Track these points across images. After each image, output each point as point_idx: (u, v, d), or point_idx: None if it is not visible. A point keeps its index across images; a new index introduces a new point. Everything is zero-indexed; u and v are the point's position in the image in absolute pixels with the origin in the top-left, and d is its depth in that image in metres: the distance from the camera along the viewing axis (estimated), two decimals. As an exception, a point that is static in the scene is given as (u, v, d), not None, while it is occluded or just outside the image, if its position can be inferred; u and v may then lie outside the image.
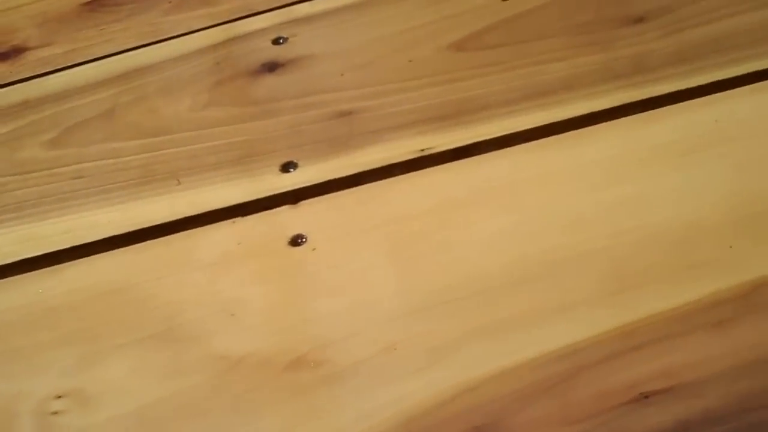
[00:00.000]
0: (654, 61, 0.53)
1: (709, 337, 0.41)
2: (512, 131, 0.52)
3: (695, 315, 0.42)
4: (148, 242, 0.52)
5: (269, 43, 0.61)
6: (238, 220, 0.51)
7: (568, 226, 0.47)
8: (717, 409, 0.39)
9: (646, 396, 0.40)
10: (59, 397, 0.46)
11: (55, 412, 0.45)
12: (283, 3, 0.64)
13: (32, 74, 0.64)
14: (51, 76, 0.64)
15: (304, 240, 0.50)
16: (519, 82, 0.54)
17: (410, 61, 0.57)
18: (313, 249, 0.49)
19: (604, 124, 0.51)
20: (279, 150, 0.54)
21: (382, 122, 0.54)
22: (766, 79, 0.51)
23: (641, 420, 0.39)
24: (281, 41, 0.61)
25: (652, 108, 0.51)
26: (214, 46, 0.62)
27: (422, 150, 0.52)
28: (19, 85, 0.64)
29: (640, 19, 0.56)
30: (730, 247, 0.44)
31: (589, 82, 0.53)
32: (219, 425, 0.43)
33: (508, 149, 0.51)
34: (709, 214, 0.46)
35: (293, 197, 0.52)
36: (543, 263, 0.46)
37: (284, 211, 0.51)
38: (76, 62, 0.64)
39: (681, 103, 0.51)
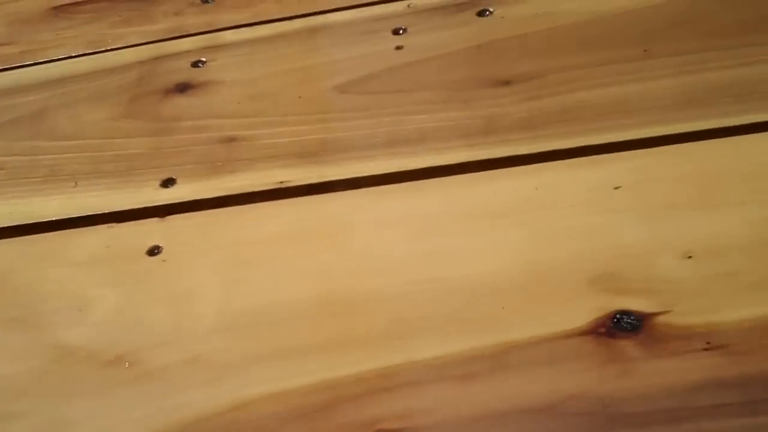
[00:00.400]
0: (504, 124, 0.58)
1: (454, 387, 0.46)
2: (363, 175, 0.57)
3: (449, 366, 0.47)
4: (36, 236, 0.59)
5: (188, 65, 0.67)
6: (114, 225, 0.58)
7: (380, 269, 0.52)
8: (438, 453, 0.44)
9: (383, 432, 0.45)
10: (-75, 361, 0.54)
11: None
12: (212, 28, 0.70)
13: (-9, 69, 0.72)
14: (5, 72, 0.71)
15: (159, 251, 0.56)
16: (383, 128, 0.59)
17: (299, 97, 0.63)
18: (164, 260, 0.55)
19: (443, 178, 0.56)
20: (165, 166, 0.61)
21: (257, 152, 0.60)
22: (591, 155, 0.55)
23: (371, 453, 0.45)
24: (199, 64, 0.67)
25: (489, 169, 0.55)
26: (142, 62, 0.69)
27: (281, 182, 0.58)
28: (-22, 78, 0.72)
29: (507, 82, 0.60)
30: (503, 308, 0.49)
31: (442, 137, 0.58)
32: (38, 407, 0.50)
33: (355, 191, 0.56)
34: (499, 275, 0.50)
35: (164, 211, 0.58)
36: (346, 300, 0.51)
37: (152, 222, 0.58)
38: (28, 62, 0.72)
39: (512, 168, 0.55)
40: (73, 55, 0.71)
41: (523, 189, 0.54)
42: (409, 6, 0.67)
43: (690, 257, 0.49)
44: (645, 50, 0.60)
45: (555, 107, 0.58)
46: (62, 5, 0.77)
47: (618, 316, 0.47)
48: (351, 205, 0.56)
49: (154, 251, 0.56)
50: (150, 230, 0.57)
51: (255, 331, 0.51)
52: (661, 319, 0.46)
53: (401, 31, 0.66)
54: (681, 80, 0.57)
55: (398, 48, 0.64)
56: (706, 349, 0.45)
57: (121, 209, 0.59)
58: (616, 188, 0.53)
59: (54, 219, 0.60)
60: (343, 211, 0.56)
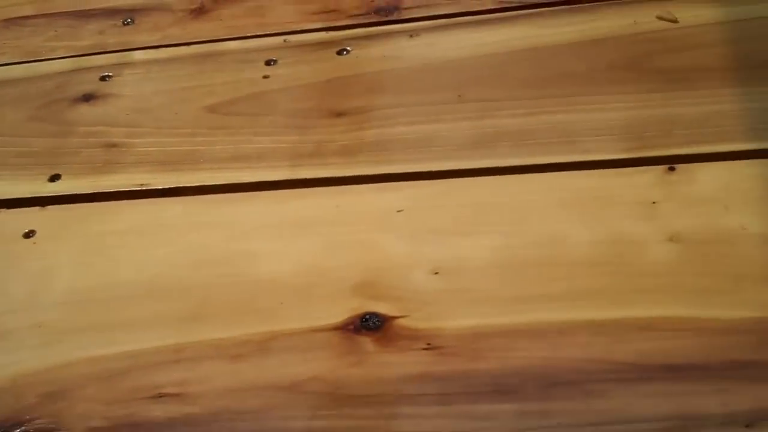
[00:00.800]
0: (328, 150, 0.65)
1: (225, 364, 0.54)
2: (209, 183, 0.65)
3: (226, 347, 0.55)
4: (-57, 214, 0.68)
5: (98, 78, 0.76)
6: (3, 210, 0.67)
7: (198, 263, 0.60)
8: (200, 414, 0.52)
9: (160, 395, 0.53)
10: None
11: None
12: (126, 47, 0.78)
13: (-57, 71, 0.81)
14: (-47, 74, 0.81)
15: (33, 234, 0.64)
16: (232, 145, 0.67)
17: (175, 113, 0.71)
18: (34, 243, 0.64)
19: (267, 192, 0.64)
20: (56, 164, 0.69)
21: (130, 157, 0.68)
22: (389, 182, 0.62)
23: (149, 410, 0.53)
24: (106, 78, 0.76)
25: (304, 187, 0.63)
26: (62, 73, 0.77)
27: (142, 185, 0.66)
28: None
29: (341, 114, 0.68)
30: (281, 303, 0.56)
31: (276, 157, 0.66)
32: None
33: (199, 197, 0.65)
34: (286, 276, 0.58)
35: (46, 202, 0.67)
36: (166, 286, 0.59)
37: (34, 210, 0.66)
38: (-26, 67, 0.81)
39: (323, 187, 0.63)
40: (11, 62, 0.80)
41: (327, 206, 0.62)
42: (285, 41, 0.75)
43: (437, 273, 0.56)
44: (459, 95, 0.67)
45: (373, 138, 0.65)
46: (13, 18, 0.85)
47: (367, 317, 0.55)
48: (192, 209, 0.64)
49: (29, 234, 0.64)
50: (30, 217, 0.66)
51: (90, 305, 0.59)
52: (398, 321, 0.54)
53: (272, 63, 0.73)
54: (479, 123, 0.64)
55: (265, 77, 0.72)
56: (425, 349, 0.53)
57: (12, 197, 0.67)
58: (399, 211, 0.60)
59: (-41, 202, 0.68)
60: (184, 213, 0.64)
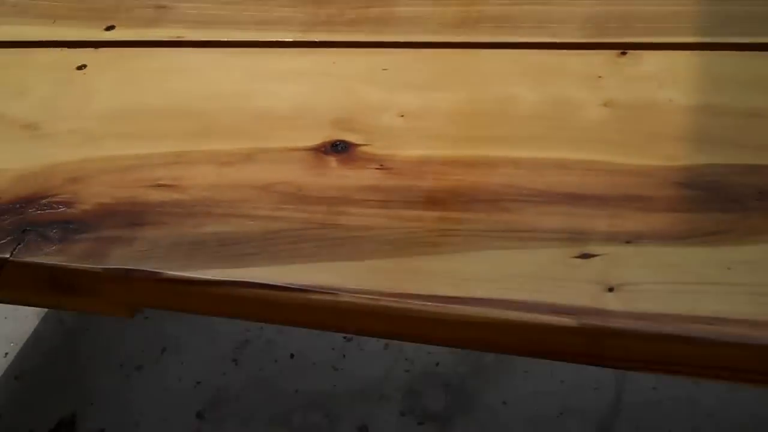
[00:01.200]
0: (338, 20, 0.75)
1: (216, 167, 0.64)
2: (233, 39, 0.76)
3: (219, 156, 0.65)
4: (16, 49, 0.80)
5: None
6: (65, 49, 0.78)
7: (213, 96, 0.70)
8: (186, 200, 0.62)
9: (158, 185, 0.63)
10: None
11: None
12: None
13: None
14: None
15: (84, 67, 0.76)
16: (258, 13, 0.77)
17: (217, -14, 0.82)
18: (84, 74, 0.76)
19: (280, 49, 0.74)
20: (113, 18, 0.80)
21: (174, 17, 0.79)
22: (379, 48, 0.71)
23: (147, 194, 0.63)
24: (167, -42, 0.87)
25: (311, 47, 0.73)
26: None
27: (179, 36, 0.77)
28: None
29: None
30: (271, 128, 0.66)
31: (294, 23, 0.76)
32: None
33: (223, 49, 0.75)
34: (280, 108, 0.68)
35: (99, 45, 0.78)
36: (183, 111, 0.69)
37: (89, 51, 0.78)
38: None
39: (326, 48, 0.73)
40: None
41: (325, 62, 0.71)
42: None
43: (402, 116, 0.65)
44: (456, -14, 0.76)
45: (376, 15, 0.75)
46: None
47: (336, 143, 0.64)
48: (215, 58, 0.74)
49: (81, 67, 0.76)
50: (85, 55, 0.77)
51: (119, 120, 0.70)
52: (361, 148, 0.63)
53: (308, -46, 0.83)
54: (467, 8, 0.73)
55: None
56: (377, 169, 0.62)
57: (73, 39, 0.79)
58: (384, 70, 0.69)
59: (30, 40, 0.80)
60: (208, 60, 0.74)
